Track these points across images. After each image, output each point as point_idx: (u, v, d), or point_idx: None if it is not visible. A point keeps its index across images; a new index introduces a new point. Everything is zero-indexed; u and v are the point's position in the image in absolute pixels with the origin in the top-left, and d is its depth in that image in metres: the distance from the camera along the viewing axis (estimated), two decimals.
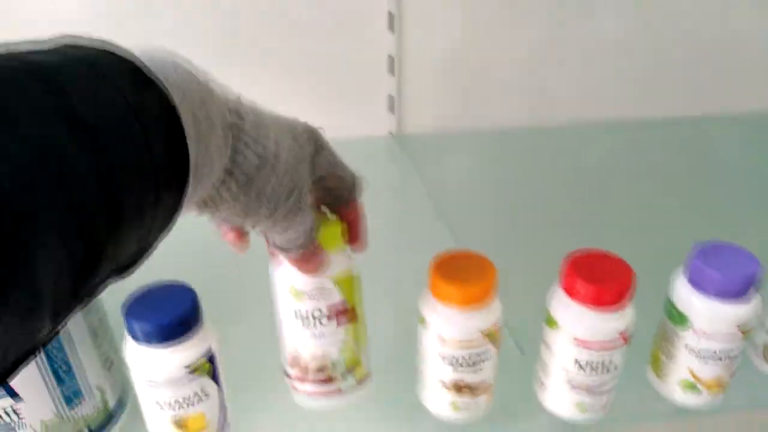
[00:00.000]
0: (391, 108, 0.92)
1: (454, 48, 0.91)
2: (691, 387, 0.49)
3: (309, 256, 0.41)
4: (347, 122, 0.92)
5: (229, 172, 0.35)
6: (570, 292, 0.44)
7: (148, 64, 0.28)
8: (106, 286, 0.28)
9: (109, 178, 0.25)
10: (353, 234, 0.45)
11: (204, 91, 0.32)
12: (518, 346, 0.55)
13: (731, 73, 0.97)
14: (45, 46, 0.27)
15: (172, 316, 0.41)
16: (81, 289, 0.25)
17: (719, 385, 0.49)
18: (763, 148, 0.92)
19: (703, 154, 0.91)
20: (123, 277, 0.30)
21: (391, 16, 0.85)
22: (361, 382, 0.49)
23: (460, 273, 0.44)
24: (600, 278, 0.44)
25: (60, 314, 0.25)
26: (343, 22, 0.85)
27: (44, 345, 0.25)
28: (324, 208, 0.45)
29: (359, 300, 0.47)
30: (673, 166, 0.87)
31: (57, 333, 0.25)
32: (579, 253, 0.46)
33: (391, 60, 0.89)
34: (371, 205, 0.76)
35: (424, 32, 0.88)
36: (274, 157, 0.36)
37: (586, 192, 0.82)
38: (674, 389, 0.50)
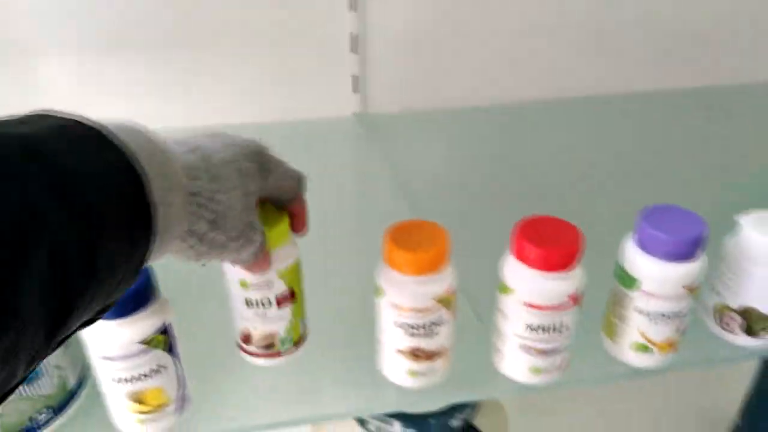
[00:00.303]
0: (355, 88, 0.92)
1: (419, 26, 0.91)
2: (643, 348, 0.50)
3: (258, 263, 0.44)
4: (311, 103, 0.92)
5: (188, 234, 0.37)
6: (519, 255, 0.45)
7: (113, 131, 0.31)
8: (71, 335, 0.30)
9: (84, 239, 0.27)
10: (297, 223, 0.48)
11: (166, 156, 0.34)
12: (476, 315, 0.56)
13: (687, 49, 0.99)
14: (18, 118, 0.29)
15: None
16: (54, 338, 0.28)
17: (670, 345, 0.50)
18: (713, 120, 0.94)
19: (658, 126, 0.92)
20: (86, 327, 0.32)
21: None
22: (299, 345, 0.52)
23: (413, 241, 0.45)
24: (548, 241, 0.44)
25: (34, 361, 0.27)
26: (304, 2, 0.85)
27: (12, 392, 0.27)
28: None
29: (300, 280, 0.50)
30: (628, 139, 0.89)
31: (24, 379, 0.28)
32: (529, 218, 0.47)
33: (352, 39, 0.89)
34: (336, 186, 0.76)
35: (387, 9, 0.88)
36: (227, 213, 0.38)
37: (552, 167, 0.83)
38: (627, 351, 0.51)
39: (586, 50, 0.97)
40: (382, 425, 0.64)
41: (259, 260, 0.44)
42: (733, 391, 0.91)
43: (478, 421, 0.69)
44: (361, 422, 0.66)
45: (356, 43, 0.89)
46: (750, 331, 0.53)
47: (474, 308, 0.56)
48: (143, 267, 0.33)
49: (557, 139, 0.90)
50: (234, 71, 0.89)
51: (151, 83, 0.87)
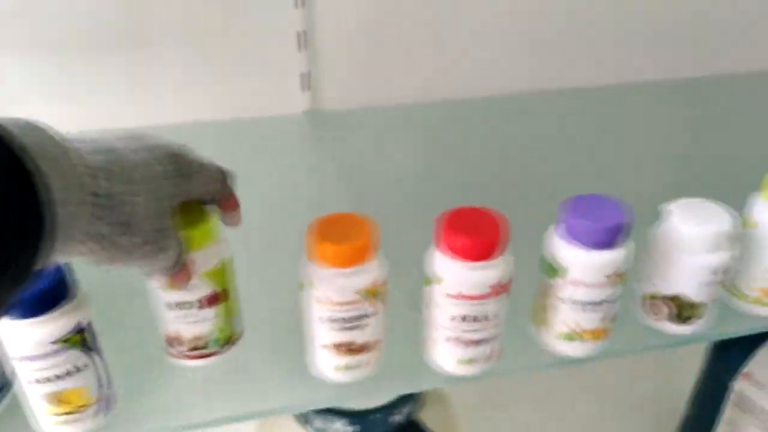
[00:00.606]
0: (304, 85, 0.92)
1: (370, 22, 0.90)
2: (571, 337, 0.50)
3: (176, 277, 0.43)
4: (260, 102, 0.92)
5: (90, 236, 0.35)
6: (440, 246, 0.45)
7: (5, 126, 0.30)
8: None
9: None
10: (229, 218, 0.47)
11: (65, 155, 0.33)
12: (412, 306, 0.56)
13: (624, 43, 0.99)
14: None
15: (36, 289, 0.40)
16: None
17: (598, 333, 0.50)
18: (651, 113, 0.94)
19: (605, 120, 0.93)
20: None
21: None
22: (234, 342, 0.51)
23: (336, 233, 0.45)
24: (468, 232, 0.44)
25: None
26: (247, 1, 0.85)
27: None
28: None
29: (231, 280, 0.49)
30: (577, 133, 0.90)
31: None
32: (454, 209, 0.47)
33: (299, 36, 0.88)
34: (283, 184, 0.76)
35: (337, 5, 0.88)
36: (133, 217, 0.37)
37: (504, 161, 0.83)
38: (555, 340, 0.51)
39: (538, 46, 0.97)
40: (325, 423, 0.64)
41: (177, 272, 0.42)
42: (683, 382, 0.92)
43: (423, 416, 0.69)
44: (305, 420, 0.66)
45: (304, 41, 0.89)
46: (678, 318, 0.53)
47: (411, 300, 0.56)
48: (36, 268, 0.32)
49: (510, 133, 0.90)
50: (181, 70, 0.88)
51: (96, 84, 0.85)
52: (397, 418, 0.66)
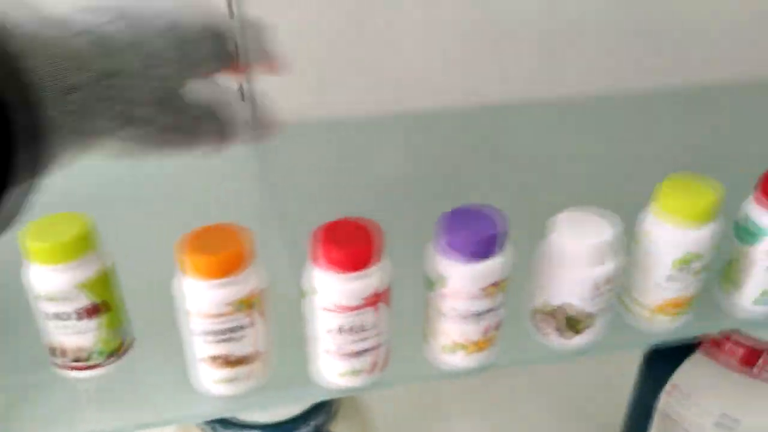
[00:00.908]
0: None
1: (304, 34, 0.91)
2: (453, 348, 0.51)
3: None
4: None
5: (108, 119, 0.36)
6: (314, 259, 0.46)
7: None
8: None
9: None
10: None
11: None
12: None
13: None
14: None
15: None
16: None
17: (480, 344, 0.51)
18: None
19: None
20: None
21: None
22: (121, 354, 0.51)
23: (205, 245, 0.45)
24: (339, 243, 0.45)
25: None
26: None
27: None
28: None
29: (113, 291, 0.49)
30: (509, 148, 0.90)
31: None
32: (329, 222, 0.47)
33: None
34: (208, 200, 0.75)
35: (267, 13, 0.88)
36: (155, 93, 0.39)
37: (441, 176, 0.82)
38: (440, 352, 0.51)
39: (477, 57, 0.97)
40: None
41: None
42: (619, 398, 0.92)
43: (336, 427, 0.69)
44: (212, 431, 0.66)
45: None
46: (566, 331, 0.53)
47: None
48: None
49: (450, 147, 0.90)
50: None
51: None
52: (307, 429, 0.66)
